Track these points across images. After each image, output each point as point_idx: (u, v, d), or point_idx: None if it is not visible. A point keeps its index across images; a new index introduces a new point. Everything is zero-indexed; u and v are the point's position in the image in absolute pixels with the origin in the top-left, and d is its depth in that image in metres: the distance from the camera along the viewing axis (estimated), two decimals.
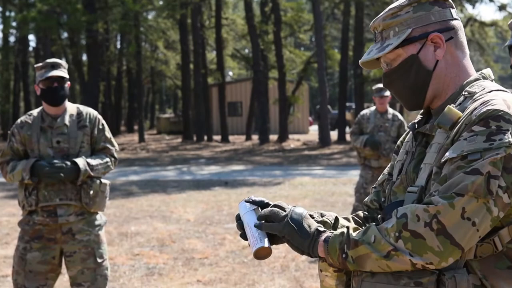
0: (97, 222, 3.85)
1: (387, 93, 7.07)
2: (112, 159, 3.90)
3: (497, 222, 1.52)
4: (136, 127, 34.74)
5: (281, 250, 6.72)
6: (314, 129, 35.63)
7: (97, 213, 3.87)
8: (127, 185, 12.74)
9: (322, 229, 1.64)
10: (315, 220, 1.70)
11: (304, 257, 6.46)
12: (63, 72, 3.75)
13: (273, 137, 26.64)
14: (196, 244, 7.17)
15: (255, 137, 27.45)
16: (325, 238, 1.61)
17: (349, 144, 23.17)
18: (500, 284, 1.54)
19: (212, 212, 9.29)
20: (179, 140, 28.21)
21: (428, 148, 1.64)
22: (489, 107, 1.54)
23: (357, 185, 7.21)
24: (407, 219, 1.51)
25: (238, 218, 1.76)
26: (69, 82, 3.83)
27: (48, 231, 3.74)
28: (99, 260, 3.80)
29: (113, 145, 3.93)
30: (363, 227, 1.61)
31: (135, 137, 29.74)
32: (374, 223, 1.60)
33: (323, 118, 23.24)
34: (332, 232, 1.62)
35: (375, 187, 1.85)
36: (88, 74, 23.93)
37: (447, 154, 1.55)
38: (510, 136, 1.50)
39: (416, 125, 1.74)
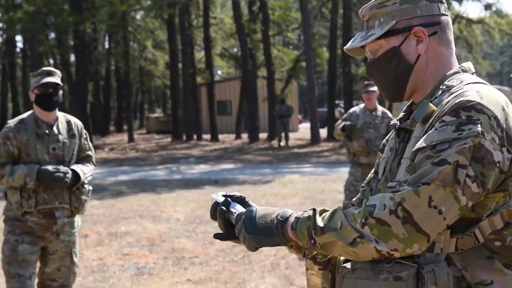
0: (75, 224, 4.08)
1: (374, 88, 7.05)
2: (93, 166, 4.16)
3: (466, 212, 1.52)
4: (125, 127, 34.63)
5: (271, 248, 6.70)
6: (303, 127, 35.66)
7: (75, 216, 4.07)
8: (116, 185, 12.70)
9: (282, 214, 1.64)
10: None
11: (294, 255, 6.45)
12: (57, 79, 3.94)
13: (263, 135, 26.64)
14: (186, 243, 7.15)
15: (244, 136, 27.45)
16: (292, 224, 1.61)
17: (339, 142, 23.21)
18: (480, 273, 1.53)
19: (202, 211, 9.27)
20: (169, 139, 28.16)
21: (408, 143, 1.65)
22: (461, 98, 1.54)
23: (347, 183, 7.20)
24: (374, 207, 1.51)
25: (215, 207, 1.75)
26: (62, 90, 4.04)
27: (40, 230, 3.92)
28: (75, 259, 4.06)
29: (93, 153, 4.20)
30: (330, 211, 1.60)
31: (125, 137, 29.66)
32: (339, 207, 1.59)
33: (312, 116, 23.26)
34: (299, 216, 1.61)
35: (362, 186, 1.85)
36: (76, 74, 23.82)
37: (417, 144, 1.56)
38: (479, 126, 1.50)
39: (398, 121, 1.74)
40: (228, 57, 32.68)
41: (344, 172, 14.09)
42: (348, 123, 6.91)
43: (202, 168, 16.34)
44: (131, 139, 27.06)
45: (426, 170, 1.50)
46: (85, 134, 4.14)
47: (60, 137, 3.94)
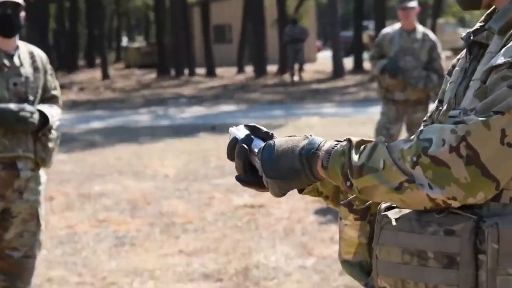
0: (42, 180, 4.07)
1: (413, 3, 6.96)
2: (60, 109, 4.16)
3: None
4: (98, 61, 34.52)
5: (284, 209, 6.75)
6: (323, 57, 35.50)
7: (39, 170, 4.08)
8: (88, 134, 12.74)
9: (308, 146, 1.60)
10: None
11: (312, 218, 6.49)
12: None
13: (272, 68, 26.54)
14: (177, 205, 7.20)
15: (249, 69, 27.36)
16: (322, 162, 1.58)
17: (368, 74, 23.11)
18: None
19: (196, 165, 9.30)
20: (153, 75, 28.11)
21: (481, 60, 1.60)
22: None
23: (378, 125, 7.19)
24: (430, 143, 1.46)
25: (234, 144, 1.74)
26: (24, 12, 4.00)
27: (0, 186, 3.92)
28: (41, 223, 4.07)
29: (59, 93, 4.20)
30: (370, 144, 1.55)
31: (97, 73, 29.62)
32: (381, 139, 1.54)
33: (335, 42, 23.09)
34: (330, 150, 1.58)
35: (425, 121, 1.80)
36: None
37: (492, 61, 1.52)
38: None
39: (472, 34, 1.67)
40: None
41: (374, 113, 14.04)
42: (387, 60, 6.84)
43: (196, 111, 16.33)
44: (105, 75, 27.00)
45: (500, 94, 1.46)
46: (51, 69, 4.14)
47: (22, 70, 3.93)
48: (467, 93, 1.58)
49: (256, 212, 6.77)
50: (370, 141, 1.57)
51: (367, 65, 25.64)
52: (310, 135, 1.65)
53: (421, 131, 1.51)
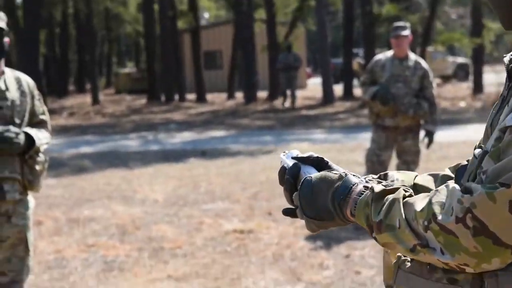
0: (30, 204, 4.09)
1: (406, 32, 7.01)
2: (49, 133, 4.18)
3: None
4: (88, 86, 34.53)
5: (273, 235, 6.74)
6: (313, 83, 35.62)
7: (28, 194, 4.09)
8: (77, 159, 12.70)
9: (341, 189, 1.60)
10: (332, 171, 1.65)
11: (302, 243, 6.48)
12: (1, 23, 3.92)
13: (262, 94, 26.61)
14: (166, 230, 7.18)
15: (239, 95, 27.41)
16: (350, 210, 1.60)
17: (358, 101, 23.19)
18: None
19: (186, 190, 9.29)
20: (143, 101, 28.12)
21: None
22: None
23: (368, 152, 7.21)
24: (440, 208, 1.44)
25: (283, 173, 1.73)
26: (8, 38, 4.01)
27: None
28: (29, 248, 4.07)
29: (48, 118, 4.20)
30: (390, 198, 1.54)
31: (88, 98, 29.62)
32: (400, 191, 1.53)
33: (325, 68, 23.18)
34: (357, 197, 1.58)
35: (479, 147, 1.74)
36: (25, 19, 23.65)
37: (507, 120, 1.44)
38: None
39: (510, 57, 1.60)
40: None
41: (364, 139, 14.07)
42: (378, 87, 6.87)
43: (186, 136, 16.33)
44: (95, 101, 27.00)
45: (508, 163, 1.40)
46: (39, 95, 4.15)
47: (8, 94, 3.94)
48: (491, 137, 1.52)
49: (245, 237, 6.75)
50: (392, 190, 1.55)
51: (357, 91, 25.75)
52: (346, 174, 1.63)
53: (436, 191, 1.49)
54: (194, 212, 7.91)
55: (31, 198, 4.09)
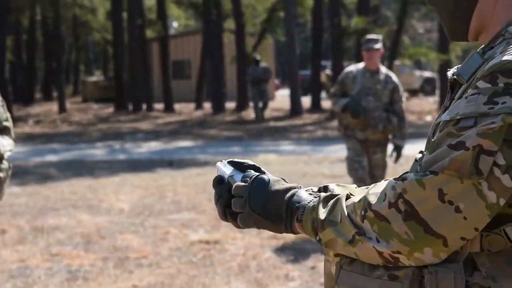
0: None
1: (378, 45, 7.03)
2: (12, 140, 4.17)
3: (498, 211, 1.46)
4: (55, 94, 34.28)
5: (239, 246, 6.74)
6: (281, 95, 35.74)
7: None
8: (43, 167, 12.62)
9: (296, 198, 1.64)
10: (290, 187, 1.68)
11: (268, 254, 6.49)
12: None
13: (230, 105, 26.63)
14: (131, 240, 7.15)
15: (207, 105, 27.41)
16: (297, 216, 1.62)
17: (326, 113, 23.30)
18: (510, 286, 1.50)
19: (152, 199, 9.26)
20: (111, 109, 27.99)
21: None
22: (506, 57, 1.46)
23: (348, 160, 7.16)
24: (375, 197, 1.51)
25: (220, 182, 1.73)
26: None
27: None
28: None
29: (11, 125, 4.20)
30: (335, 199, 1.60)
31: (54, 106, 29.41)
32: (347, 194, 1.59)
33: (293, 80, 23.27)
34: (305, 205, 1.62)
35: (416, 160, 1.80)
36: None
37: (443, 115, 1.53)
38: None
39: (453, 72, 1.66)
40: (186, 5, 32.47)
41: (331, 151, 14.16)
42: (348, 99, 6.88)
43: (153, 146, 16.29)
44: (62, 109, 26.82)
45: (440, 153, 1.46)
46: (1, 101, 4.13)
47: None
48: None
49: (211, 248, 6.74)
50: (338, 195, 1.60)
51: (325, 104, 25.90)
52: (300, 186, 1.68)
53: (375, 184, 1.57)
54: (160, 222, 7.88)
55: None
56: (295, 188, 1.67)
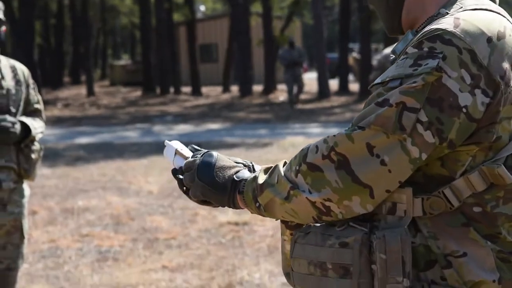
0: (25, 193, 4.10)
1: None
2: (43, 122, 4.19)
3: (434, 167, 1.57)
4: (83, 78, 34.49)
5: (268, 227, 6.74)
6: (308, 78, 35.63)
7: (23, 182, 4.10)
8: (72, 150, 12.70)
9: (239, 175, 1.74)
10: (235, 162, 1.79)
11: None
12: (0, 12, 3.93)
13: (258, 87, 26.60)
14: (160, 221, 7.18)
15: (234, 89, 27.40)
16: (239, 188, 1.72)
17: (353, 96, 23.19)
18: (451, 243, 1.58)
19: None
20: (139, 93, 28.10)
21: None
22: (433, 26, 1.58)
23: None
24: (307, 150, 1.61)
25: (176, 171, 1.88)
26: (4, 27, 4.02)
27: None
28: (24, 235, 4.08)
29: (42, 107, 4.21)
30: (273, 166, 1.70)
31: (83, 90, 29.59)
32: (285, 161, 1.69)
33: (320, 63, 23.18)
34: (246, 178, 1.73)
35: None
36: (20, 10, 23.59)
37: (378, 78, 1.64)
38: (439, 61, 1.52)
39: (391, 50, 1.82)
40: None
41: None
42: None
43: (182, 128, 16.32)
44: (90, 92, 26.97)
45: (368, 110, 1.57)
46: (34, 84, 4.15)
47: (4, 83, 3.94)
48: None
49: (240, 229, 6.75)
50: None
51: (352, 86, 25.80)
52: (250, 164, 1.80)
53: (310, 144, 1.65)
54: (188, 204, 7.89)
55: (26, 186, 4.10)
56: (241, 165, 1.78)
